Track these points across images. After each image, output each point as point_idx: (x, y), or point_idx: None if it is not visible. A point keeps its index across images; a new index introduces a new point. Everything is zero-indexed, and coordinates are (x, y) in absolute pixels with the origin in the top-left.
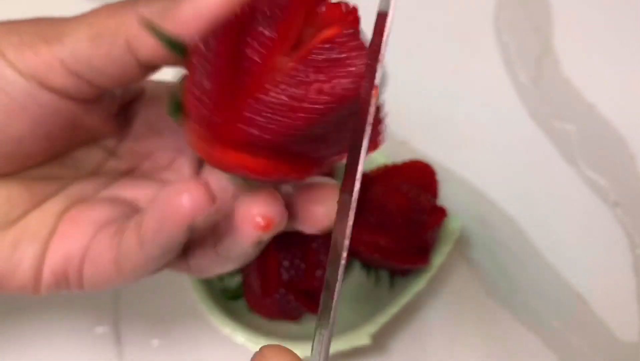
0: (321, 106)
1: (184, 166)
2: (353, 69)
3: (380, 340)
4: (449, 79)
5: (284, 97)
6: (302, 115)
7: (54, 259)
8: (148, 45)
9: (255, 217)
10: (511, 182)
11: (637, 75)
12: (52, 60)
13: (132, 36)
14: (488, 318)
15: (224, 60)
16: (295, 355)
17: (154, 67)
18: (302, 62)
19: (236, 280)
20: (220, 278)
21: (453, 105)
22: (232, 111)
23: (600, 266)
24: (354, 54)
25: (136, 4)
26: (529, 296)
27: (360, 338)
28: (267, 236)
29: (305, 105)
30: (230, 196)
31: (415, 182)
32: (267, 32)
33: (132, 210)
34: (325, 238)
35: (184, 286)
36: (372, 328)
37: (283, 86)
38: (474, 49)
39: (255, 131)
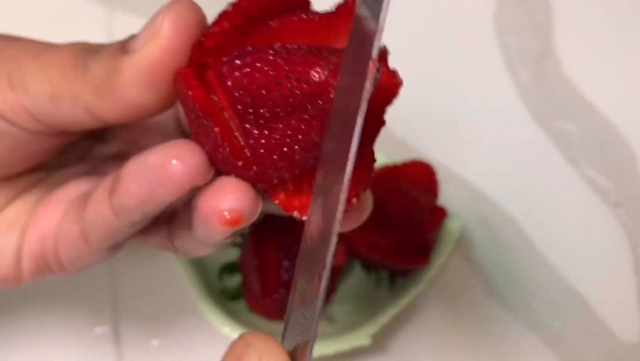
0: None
1: None
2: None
3: (380, 340)
4: (449, 79)
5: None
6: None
7: (30, 244)
8: (110, 113)
9: (222, 212)
10: (512, 182)
11: (638, 74)
12: (17, 106)
13: (89, 104)
14: (488, 318)
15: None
16: (279, 344)
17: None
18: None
19: (236, 280)
20: (220, 278)
21: (453, 105)
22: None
23: (601, 266)
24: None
25: (86, 62)
26: (530, 296)
27: (361, 338)
28: (240, 228)
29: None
30: None
31: (416, 182)
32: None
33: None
34: None
35: (183, 286)
36: (372, 328)
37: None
38: (475, 48)
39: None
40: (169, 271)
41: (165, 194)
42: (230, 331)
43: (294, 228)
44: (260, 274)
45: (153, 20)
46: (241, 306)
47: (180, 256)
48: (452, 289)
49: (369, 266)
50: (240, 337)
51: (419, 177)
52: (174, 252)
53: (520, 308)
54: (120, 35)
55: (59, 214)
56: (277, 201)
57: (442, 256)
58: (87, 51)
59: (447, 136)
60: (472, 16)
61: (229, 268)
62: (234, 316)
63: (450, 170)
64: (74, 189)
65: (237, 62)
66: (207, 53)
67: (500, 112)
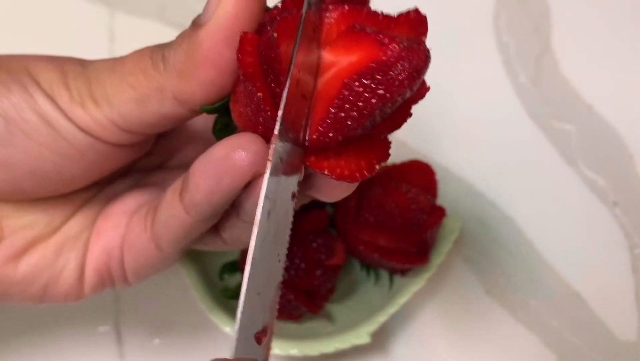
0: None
1: None
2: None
3: (379, 339)
4: (448, 79)
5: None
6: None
7: (94, 257)
8: (197, 91)
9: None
10: (510, 182)
11: (636, 75)
12: (104, 121)
13: (177, 91)
14: (487, 317)
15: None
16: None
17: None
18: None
19: (236, 280)
20: (221, 277)
21: (452, 105)
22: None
23: (599, 266)
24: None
25: (163, 56)
26: (528, 295)
27: (360, 337)
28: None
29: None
30: None
31: (415, 182)
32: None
33: (160, 192)
34: (325, 238)
35: (184, 285)
36: (371, 327)
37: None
38: (474, 49)
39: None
40: (170, 271)
41: (231, 183)
42: (230, 330)
43: (294, 227)
44: None
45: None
46: None
47: (230, 248)
48: (451, 289)
49: (368, 266)
50: None
51: (418, 177)
52: (225, 247)
53: (518, 307)
54: (121, 36)
55: (122, 226)
56: (307, 163)
57: (441, 256)
58: (159, 47)
59: (446, 136)
60: (471, 17)
61: (230, 268)
62: (234, 315)
63: (449, 170)
64: (131, 201)
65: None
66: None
67: (498, 113)
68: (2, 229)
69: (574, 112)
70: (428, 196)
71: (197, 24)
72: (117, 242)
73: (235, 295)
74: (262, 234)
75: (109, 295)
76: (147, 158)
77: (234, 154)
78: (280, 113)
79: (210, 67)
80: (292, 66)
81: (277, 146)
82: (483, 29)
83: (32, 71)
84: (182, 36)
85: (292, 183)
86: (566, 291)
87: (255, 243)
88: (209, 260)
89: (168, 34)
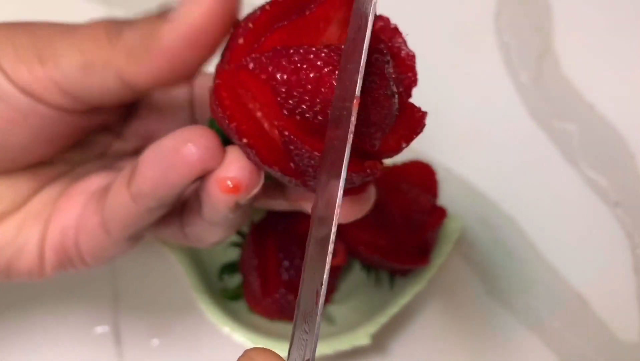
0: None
1: None
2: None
3: (380, 340)
4: (449, 79)
5: None
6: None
7: (52, 236)
8: (141, 77)
9: (224, 180)
10: (511, 182)
11: (637, 75)
12: (46, 80)
13: (122, 70)
14: (488, 318)
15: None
16: (281, 358)
17: (151, 90)
18: None
19: (236, 280)
20: (221, 278)
21: (453, 104)
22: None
23: (601, 266)
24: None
25: (121, 31)
26: (529, 296)
27: (361, 337)
28: (242, 199)
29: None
30: None
31: (415, 182)
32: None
33: None
34: None
35: (183, 286)
36: (372, 328)
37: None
38: (475, 48)
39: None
40: (169, 271)
41: (178, 178)
42: (230, 331)
43: (294, 227)
44: (260, 274)
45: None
46: (241, 306)
47: (191, 244)
48: (452, 289)
49: (368, 266)
50: (244, 353)
51: (418, 178)
52: (185, 241)
53: (520, 307)
54: None
55: (79, 207)
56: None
57: (441, 256)
58: (120, 23)
59: (447, 136)
60: (472, 16)
61: (229, 268)
62: (233, 316)
63: (450, 170)
64: (94, 182)
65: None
66: (242, 52)
67: (500, 112)
68: None
69: (576, 112)
70: (429, 196)
71: (164, 15)
72: (73, 222)
73: (235, 296)
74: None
75: (108, 295)
76: (121, 142)
77: (183, 148)
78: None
79: (161, 62)
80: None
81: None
82: (484, 28)
83: None
84: (145, 21)
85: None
86: (568, 292)
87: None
88: (208, 260)
89: None
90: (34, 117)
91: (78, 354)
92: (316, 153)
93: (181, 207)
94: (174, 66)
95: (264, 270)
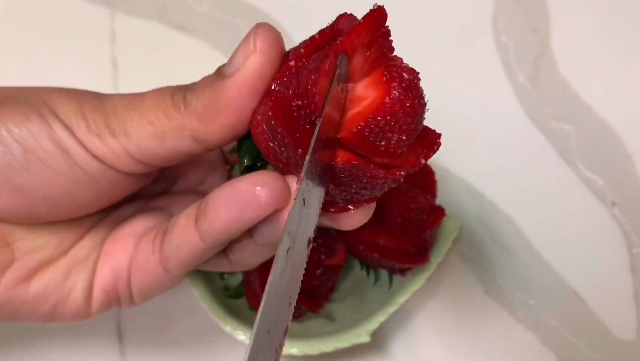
0: None
1: (215, 184)
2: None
3: (379, 338)
4: (447, 80)
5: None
6: None
7: (102, 278)
8: (215, 133)
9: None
10: (509, 182)
11: (634, 76)
12: (120, 151)
13: (197, 132)
14: (486, 316)
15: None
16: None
17: (223, 144)
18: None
19: (237, 278)
20: (222, 276)
21: (452, 105)
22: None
23: (598, 265)
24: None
25: (185, 98)
26: (527, 294)
27: (360, 336)
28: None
29: None
30: None
31: (414, 182)
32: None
33: (166, 216)
34: (325, 238)
35: (185, 284)
36: (371, 326)
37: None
38: (473, 49)
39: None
40: None
41: (252, 216)
42: (231, 329)
43: None
44: (260, 272)
45: (244, 43)
46: (242, 304)
47: (234, 270)
48: (450, 288)
49: (368, 265)
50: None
51: (417, 177)
52: (228, 268)
53: (517, 306)
54: (122, 37)
55: (130, 248)
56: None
57: (440, 255)
58: (179, 89)
59: (446, 136)
60: (470, 18)
61: None
62: (235, 314)
63: (449, 170)
64: (138, 224)
65: None
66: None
67: (497, 113)
68: (14, 251)
69: (573, 113)
70: (427, 195)
71: (221, 73)
72: (125, 264)
73: (236, 294)
74: (280, 269)
75: None
76: (152, 185)
77: (259, 190)
78: (307, 158)
79: (232, 115)
80: (322, 115)
81: (302, 185)
82: (482, 30)
83: (50, 103)
84: (206, 83)
85: (310, 224)
86: (565, 291)
87: (273, 278)
88: None
89: (168, 35)
90: (102, 180)
91: (81, 351)
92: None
93: None
94: (241, 116)
95: (264, 268)
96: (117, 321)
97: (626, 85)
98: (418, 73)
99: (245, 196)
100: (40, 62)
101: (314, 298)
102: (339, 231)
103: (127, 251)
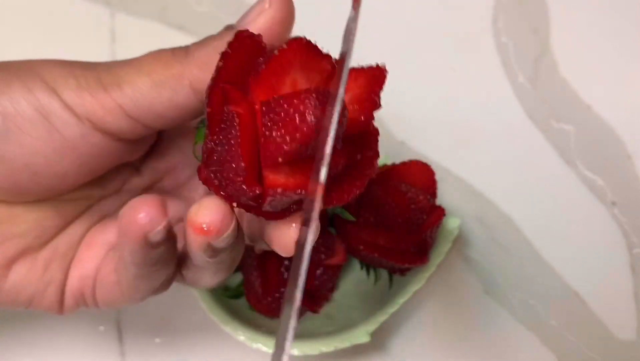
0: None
1: (200, 185)
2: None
3: (379, 338)
4: (447, 80)
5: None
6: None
7: (72, 282)
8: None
9: (199, 221)
10: (509, 182)
11: (634, 76)
12: (112, 105)
13: (197, 80)
14: (486, 317)
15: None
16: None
17: None
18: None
19: (237, 279)
20: None
21: (452, 105)
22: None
23: (598, 265)
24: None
25: (187, 49)
26: (527, 295)
27: (360, 336)
28: (218, 242)
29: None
30: None
31: (414, 182)
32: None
33: None
34: (326, 238)
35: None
36: (371, 326)
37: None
38: (473, 50)
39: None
40: None
41: (131, 241)
42: (231, 329)
43: None
44: (260, 273)
45: (259, 3)
46: (242, 304)
47: (191, 286)
48: (450, 288)
49: (368, 265)
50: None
51: (417, 177)
52: (184, 283)
53: (517, 306)
54: (122, 36)
55: (98, 258)
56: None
57: (440, 255)
58: (184, 46)
59: (446, 137)
60: (470, 18)
61: None
62: (235, 314)
63: (449, 170)
64: (112, 233)
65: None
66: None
67: (497, 113)
68: None
69: (573, 113)
70: (427, 195)
71: (231, 26)
72: (92, 273)
73: (236, 294)
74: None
75: None
76: (137, 178)
77: (132, 214)
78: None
79: None
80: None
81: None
82: (482, 30)
83: (37, 69)
84: (212, 36)
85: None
86: (565, 291)
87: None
88: None
89: (169, 35)
90: (84, 146)
91: (81, 352)
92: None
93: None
94: None
95: (264, 269)
96: (117, 321)
97: (626, 85)
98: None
99: (122, 221)
100: None
101: (314, 298)
102: (338, 231)
103: (96, 261)
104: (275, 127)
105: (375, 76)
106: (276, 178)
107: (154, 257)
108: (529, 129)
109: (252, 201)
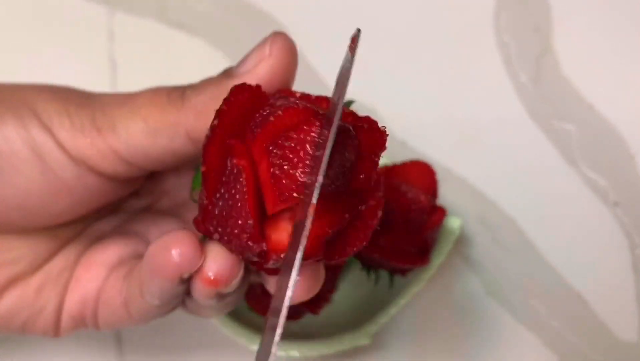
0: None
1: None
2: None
3: (380, 339)
4: (448, 79)
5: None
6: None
7: (71, 304)
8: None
9: (206, 272)
10: (511, 182)
11: (636, 75)
12: (106, 149)
13: (193, 129)
14: (487, 318)
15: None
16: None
17: None
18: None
19: None
20: None
21: (453, 105)
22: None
23: (600, 266)
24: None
25: (184, 94)
26: (529, 295)
27: (361, 337)
28: (223, 290)
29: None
30: None
31: (415, 182)
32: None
33: (143, 245)
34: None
35: None
36: (372, 328)
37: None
38: (474, 48)
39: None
40: None
41: (164, 279)
42: (230, 330)
43: None
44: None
45: (259, 47)
46: (241, 305)
47: (192, 314)
48: (452, 289)
49: (368, 266)
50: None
51: (418, 177)
52: (186, 311)
53: (519, 307)
54: (120, 36)
55: (100, 279)
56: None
57: (441, 256)
58: (178, 88)
59: (447, 136)
60: (471, 16)
61: None
62: (234, 315)
63: (450, 170)
64: (112, 252)
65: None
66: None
67: (499, 112)
68: None
69: (575, 112)
70: (428, 196)
71: (229, 72)
72: (93, 294)
73: None
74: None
75: None
76: (135, 199)
77: (166, 253)
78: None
79: None
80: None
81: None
82: (483, 28)
83: (31, 102)
84: (209, 81)
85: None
86: (567, 292)
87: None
88: None
89: (168, 34)
90: (80, 187)
91: (79, 352)
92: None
93: None
94: None
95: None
96: None
97: (629, 84)
98: None
99: (154, 259)
100: (38, 60)
101: (314, 299)
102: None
103: (97, 282)
104: (287, 161)
105: (375, 140)
106: (279, 239)
107: (180, 291)
108: (531, 128)
109: (256, 257)
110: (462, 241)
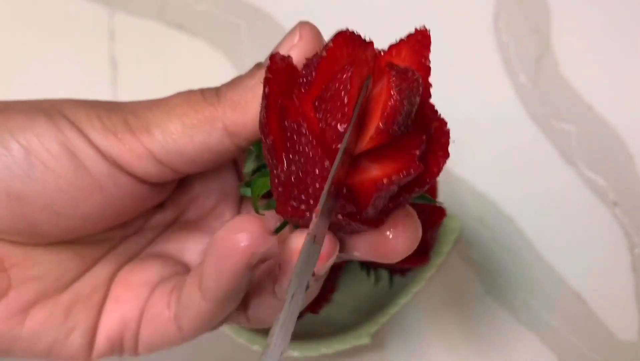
0: None
1: (226, 211)
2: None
3: (379, 339)
4: (448, 80)
5: None
6: None
7: (109, 325)
8: (249, 127)
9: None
10: (510, 182)
11: (635, 75)
12: (140, 149)
13: (231, 122)
14: (487, 317)
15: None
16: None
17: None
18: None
19: None
20: None
21: (452, 105)
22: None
23: (599, 266)
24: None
25: (218, 91)
26: (528, 295)
27: (360, 337)
28: (326, 266)
29: None
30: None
31: None
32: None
33: (181, 267)
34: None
35: None
36: (372, 327)
37: None
38: (474, 49)
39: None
40: None
41: (233, 265)
42: (230, 330)
43: None
44: None
45: (289, 36)
46: None
47: (251, 326)
48: (451, 289)
49: (368, 266)
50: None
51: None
52: (246, 324)
53: (518, 307)
54: (121, 36)
55: (142, 299)
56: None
57: (441, 256)
58: (211, 88)
59: None
60: (471, 17)
61: None
62: None
63: (449, 170)
64: (152, 272)
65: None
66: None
67: (498, 113)
68: (10, 278)
69: (574, 113)
70: (428, 196)
71: (260, 65)
72: (136, 314)
73: None
74: (283, 317)
75: None
76: (160, 214)
77: (233, 236)
78: (326, 187)
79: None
80: (345, 142)
81: (315, 222)
82: (483, 29)
83: (60, 107)
84: (242, 76)
85: (313, 265)
86: (566, 292)
87: (279, 327)
88: None
89: (168, 34)
90: (111, 187)
91: None
92: None
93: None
94: None
95: None
96: None
97: (628, 85)
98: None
99: (221, 244)
100: (39, 61)
101: (314, 299)
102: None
103: (140, 301)
104: (328, 113)
105: (418, 41)
106: (370, 171)
107: (245, 283)
108: (530, 129)
109: (352, 207)
110: (461, 241)
